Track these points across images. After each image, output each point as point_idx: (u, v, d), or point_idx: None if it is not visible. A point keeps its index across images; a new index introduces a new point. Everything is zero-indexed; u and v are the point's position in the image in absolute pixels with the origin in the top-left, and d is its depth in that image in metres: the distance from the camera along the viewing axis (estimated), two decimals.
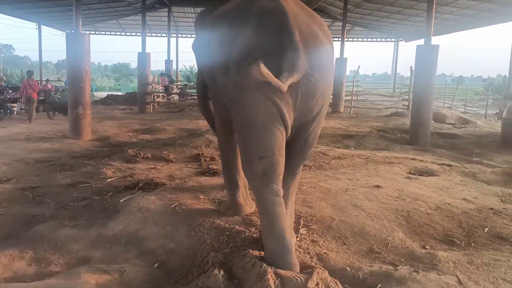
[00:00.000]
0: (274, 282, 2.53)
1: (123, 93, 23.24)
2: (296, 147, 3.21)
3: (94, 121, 9.85)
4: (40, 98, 12.78)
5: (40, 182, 4.99)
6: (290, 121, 2.90)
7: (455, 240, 3.62)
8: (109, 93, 24.75)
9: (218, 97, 3.40)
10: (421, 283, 2.77)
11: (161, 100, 18.35)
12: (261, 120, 2.83)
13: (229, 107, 3.08)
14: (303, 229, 3.61)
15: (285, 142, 2.97)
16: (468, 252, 3.36)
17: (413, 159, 6.89)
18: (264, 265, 2.72)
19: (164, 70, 24.42)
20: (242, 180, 3.97)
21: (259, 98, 2.77)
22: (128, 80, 47.43)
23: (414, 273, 2.91)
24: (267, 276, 2.53)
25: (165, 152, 6.56)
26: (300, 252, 3.17)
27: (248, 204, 3.95)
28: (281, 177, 2.89)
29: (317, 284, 2.61)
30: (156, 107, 16.98)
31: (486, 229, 3.85)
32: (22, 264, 3.01)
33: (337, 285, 2.70)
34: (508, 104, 10.14)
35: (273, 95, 2.75)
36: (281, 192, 2.87)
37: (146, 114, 14.97)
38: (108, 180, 5.00)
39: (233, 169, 3.96)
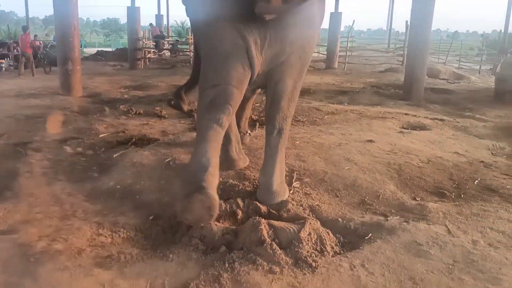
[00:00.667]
0: (268, 232, 2.59)
1: (113, 49, 22.73)
2: (269, 96, 3.20)
3: (85, 78, 9.66)
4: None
5: (32, 138, 4.95)
6: (257, 62, 2.84)
7: (445, 192, 3.69)
8: (99, 49, 24.18)
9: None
10: (411, 232, 2.84)
11: (152, 56, 17.99)
12: (225, 49, 2.79)
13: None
14: (296, 182, 3.65)
15: (246, 82, 2.89)
16: (457, 203, 3.43)
17: (406, 114, 6.90)
18: (258, 217, 2.79)
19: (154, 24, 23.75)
20: (235, 135, 3.97)
21: (227, 28, 2.76)
22: (118, 36, 46.26)
23: (404, 223, 2.98)
24: (261, 227, 2.58)
25: (158, 108, 6.50)
26: (293, 205, 3.22)
27: (242, 159, 3.97)
28: (231, 108, 2.77)
29: (309, 234, 2.68)
30: (147, 63, 16.68)
31: (476, 181, 3.92)
32: (18, 218, 3.03)
33: (329, 235, 2.77)
34: (503, 59, 10.05)
35: (242, 29, 2.75)
36: (225, 123, 2.74)
37: (137, 70, 14.72)
38: (100, 135, 4.98)
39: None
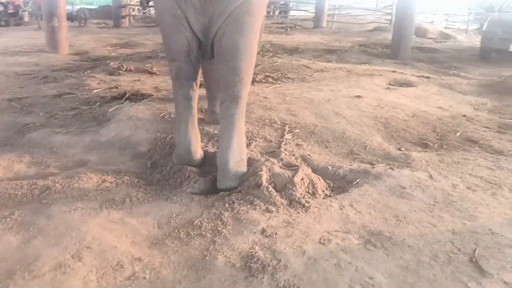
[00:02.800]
0: (266, 178, 2.76)
1: (96, 7, 22.02)
2: (215, 55, 2.85)
3: (70, 36, 9.48)
4: (10, 11, 12.14)
5: (25, 93, 4.98)
6: (198, 26, 2.72)
7: (428, 143, 3.90)
8: (81, 6, 23.37)
9: None
10: (395, 177, 3.05)
11: (136, 14, 17.58)
12: (168, 22, 2.78)
13: None
14: (288, 134, 3.81)
15: (196, 51, 2.85)
16: (440, 152, 3.66)
17: (393, 71, 7.05)
18: (260, 162, 2.97)
19: None
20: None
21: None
22: None
23: (389, 170, 3.19)
24: (261, 172, 2.75)
25: (148, 65, 6.51)
26: (286, 154, 3.39)
27: None
28: (192, 82, 2.97)
29: (302, 179, 2.87)
30: (132, 21, 16.34)
31: (458, 133, 4.14)
32: (22, 167, 3.15)
33: (320, 180, 2.97)
34: (489, 17, 10.16)
35: None
36: (193, 96, 3.00)
37: (122, 28, 14.46)
38: (94, 91, 5.02)
39: (209, 79, 4.05)
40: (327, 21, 16.40)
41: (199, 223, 2.34)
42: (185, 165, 3.06)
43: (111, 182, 2.84)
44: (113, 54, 8.50)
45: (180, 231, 2.28)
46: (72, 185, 2.71)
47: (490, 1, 17.41)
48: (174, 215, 2.43)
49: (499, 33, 9.00)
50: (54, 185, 2.69)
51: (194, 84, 3.00)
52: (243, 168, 2.90)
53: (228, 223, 2.34)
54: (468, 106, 5.20)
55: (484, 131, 4.27)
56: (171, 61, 2.94)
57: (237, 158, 2.85)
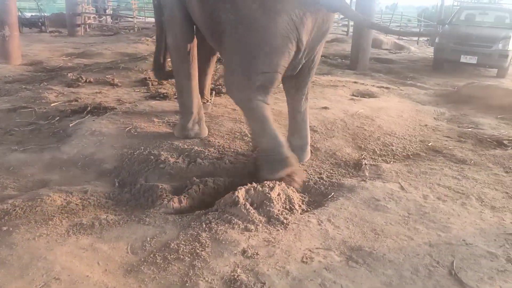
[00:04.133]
0: (243, 195, 2.69)
1: (49, 14, 21.19)
2: (305, 68, 3.35)
3: (21, 45, 9.02)
4: None
5: None
6: (305, 45, 3.03)
7: (396, 153, 3.97)
8: (32, 14, 22.41)
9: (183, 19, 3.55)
10: (369, 189, 3.08)
11: (92, 22, 17.07)
12: (277, 42, 2.92)
13: (228, 27, 3.03)
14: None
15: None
16: (407, 163, 3.73)
17: (355, 82, 7.20)
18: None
19: None
20: (197, 104, 3.94)
21: (283, 20, 2.85)
22: (51, 0, 42.97)
23: (362, 182, 3.22)
24: (238, 189, 2.69)
25: (109, 76, 6.28)
26: None
27: (202, 129, 3.96)
28: (273, 91, 3.21)
29: (278, 194, 2.83)
30: (88, 29, 15.83)
31: (422, 143, 4.25)
32: None
33: (295, 193, 2.93)
34: (441, 30, 10.63)
35: (297, 18, 2.87)
36: (270, 101, 3.21)
37: (78, 37, 13.95)
38: (52, 104, 4.77)
39: (188, 93, 3.91)
40: None
41: (175, 246, 2.24)
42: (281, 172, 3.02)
43: (76, 204, 2.67)
44: (69, 64, 8.15)
45: (156, 255, 2.16)
46: (35, 208, 2.53)
47: (440, 14, 18.29)
48: (148, 239, 2.31)
49: (450, 45, 9.43)
50: (15, 209, 2.50)
51: (272, 92, 3.24)
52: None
53: (206, 245, 2.25)
54: (429, 116, 5.37)
55: (446, 140, 4.41)
56: (259, 74, 3.00)
57: (309, 139, 3.68)
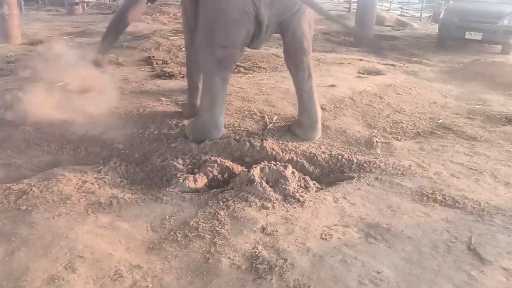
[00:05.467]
0: (258, 173, 2.69)
1: None
2: (289, 42, 3.42)
3: (20, 24, 8.87)
4: None
5: None
6: (265, 19, 3.10)
7: (406, 131, 3.96)
8: None
9: None
10: (381, 167, 3.08)
11: (90, 0, 16.77)
12: (234, 16, 3.05)
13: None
14: (270, 125, 3.75)
15: (249, 38, 3.22)
16: (418, 140, 3.73)
17: (360, 59, 7.12)
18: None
19: None
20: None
21: None
22: None
23: (375, 160, 3.21)
24: (252, 167, 2.67)
25: (112, 55, 6.19)
26: (273, 148, 3.31)
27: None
28: (233, 67, 3.31)
29: (292, 172, 2.83)
30: (86, 8, 15.55)
31: (432, 120, 4.24)
32: None
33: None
34: (444, 6, 10.48)
35: None
36: (229, 78, 3.35)
37: (76, 16, 13.70)
38: (58, 84, 4.71)
39: (196, 71, 3.87)
40: None
41: (195, 223, 2.24)
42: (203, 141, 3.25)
43: (92, 183, 2.67)
44: (70, 43, 8.03)
45: (177, 233, 2.17)
46: (51, 188, 2.52)
47: None
48: (167, 217, 2.32)
49: (455, 21, 9.30)
50: (31, 189, 2.49)
51: (233, 68, 3.37)
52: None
53: (225, 223, 2.26)
54: (436, 93, 5.34)
55: (455, 117, 4.39)
56: (219, 47, 3.12)
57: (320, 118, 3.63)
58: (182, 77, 5.15)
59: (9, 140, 3.31)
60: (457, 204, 2.59)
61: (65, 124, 3.61)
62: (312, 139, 3.55)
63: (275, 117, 3.94)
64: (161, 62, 5.94)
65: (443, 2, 11.74)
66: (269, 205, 2.46)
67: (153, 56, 6.14)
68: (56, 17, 13.08)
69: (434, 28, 13.36)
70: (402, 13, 18.92)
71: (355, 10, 11.75)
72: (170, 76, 5.20)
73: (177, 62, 6.08)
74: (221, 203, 2.44)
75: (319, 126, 3.64)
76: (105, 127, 3.60)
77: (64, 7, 14.52)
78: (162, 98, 4.31)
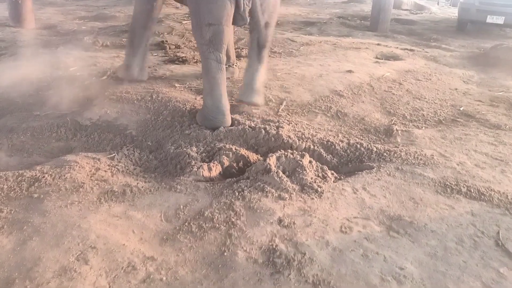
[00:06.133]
0: (274, 162, 2.60)
1: None
2: (254, 16, 3.42)
3: (33, 8, 8.83)
4: None
5: None
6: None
7: (427, 118, 3.82)
8: None
9: None
10: (402, 157, 2.96)
11: None
12: None
13: None
14: (283, 111, 3.65)
15: (232, 15, 3.25)
16: (440, 128, 3.59)
17: (378, 44, 6.93)
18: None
19: None
20: None
21: None
22: None
23: (395, 149, 3.09)
24: (269, 156, 2.59)
25: (125, 39, 6.11)
26: (290, 136, 3.22)
27: None
28: (225, 46, 3.31)
29: (310, 162, 2.74)
30: None
31: (453, 107, 4.09)
32: (1, 155, 2.87)
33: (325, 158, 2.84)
34: None
35: None
36: (224, 59, 3.32)
37: (89, 0, 13.63)
38: (70, 69, 4.66)
39: (136, 30, 4.29)
40: None
41: (210, 214, 2.18)
42: (212, 128, 3.23)
43: (105, 171, 2.61)
44: (83, 28, 7.96)
45: (191, 224, 2.11)
46: (64, 175, 2.47)
47: None
48: (181, 206, 2.25)
49: (476, 4, 8.99)
50: (43, 176, 2.45)
51: (225, 46, 3.31)
52: (262, 95, 3.70)
53: (241, 214, 2.19)
54: (457, 79, 5.15)
55: (478, 104, 4.23)
56: (206, 25, 3.18)
57: (262, 82, 3.68)
58: (196, 62, 5.06)
59: (21, 126, 3.26)
60: (482, 197, 2.48)
61: (78, 110, 3.58)
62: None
63: (291, 104, 3.83)
64: (174, 46, 5.85)
65: None
66: (286, 195, 2.37)
67: (166, 41, 6.04)
68: (69, 2, 13.00)
69: (453, 12, 12.99)
70: None
71: None
72: (183, 61, 5.11)
73: (190, 46, 5.97)
74: (237, 193, 2.36)
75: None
76: (117, 113, 3.55)
77: None
78: (176, 84, 4.23)
